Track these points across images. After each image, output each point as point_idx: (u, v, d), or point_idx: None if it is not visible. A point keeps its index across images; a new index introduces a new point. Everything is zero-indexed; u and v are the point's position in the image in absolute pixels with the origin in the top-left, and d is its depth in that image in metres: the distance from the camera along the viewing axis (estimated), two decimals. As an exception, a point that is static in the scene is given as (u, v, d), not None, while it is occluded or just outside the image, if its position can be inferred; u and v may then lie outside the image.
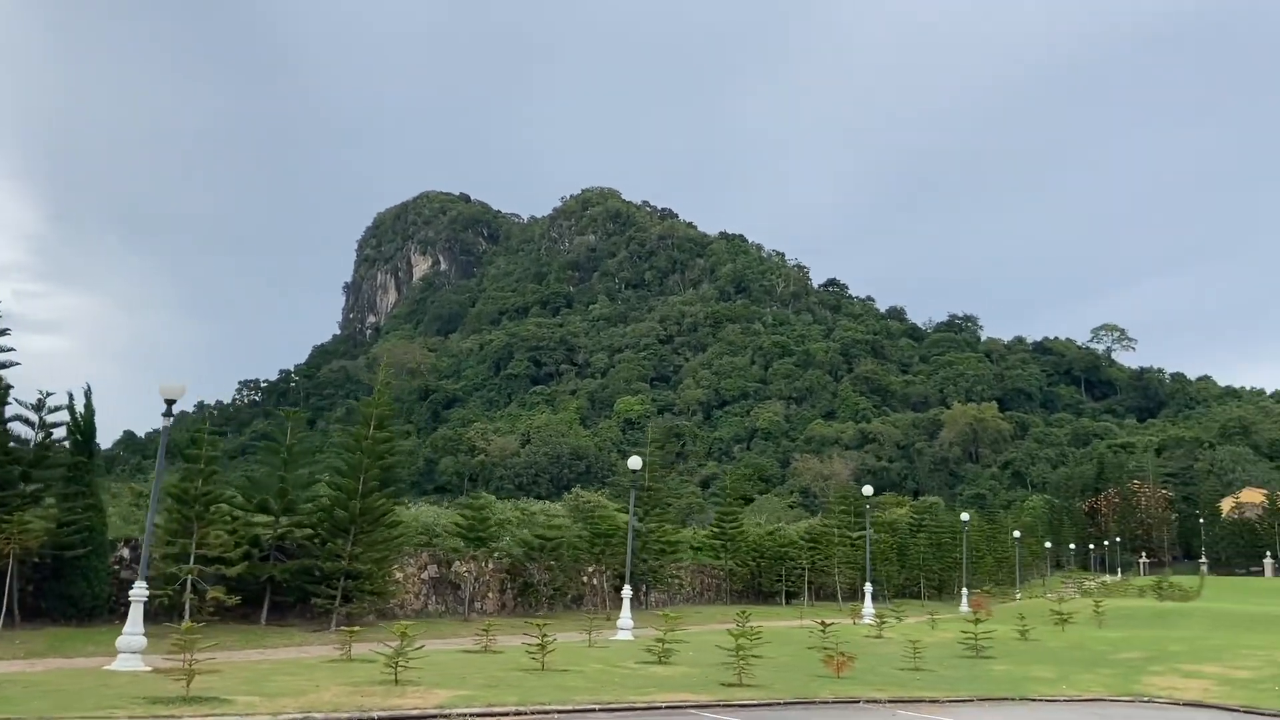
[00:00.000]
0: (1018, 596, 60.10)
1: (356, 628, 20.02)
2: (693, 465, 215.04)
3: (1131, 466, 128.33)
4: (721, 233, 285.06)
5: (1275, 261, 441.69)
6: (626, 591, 29.68)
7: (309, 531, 30.03)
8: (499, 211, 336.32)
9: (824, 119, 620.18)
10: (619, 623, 29.14)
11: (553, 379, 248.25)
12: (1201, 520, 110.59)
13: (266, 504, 29.73)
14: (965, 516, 58.11)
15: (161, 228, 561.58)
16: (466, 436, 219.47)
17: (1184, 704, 21.96)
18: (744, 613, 33.76)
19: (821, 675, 22.37)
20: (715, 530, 51.94)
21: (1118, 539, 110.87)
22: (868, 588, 38.90)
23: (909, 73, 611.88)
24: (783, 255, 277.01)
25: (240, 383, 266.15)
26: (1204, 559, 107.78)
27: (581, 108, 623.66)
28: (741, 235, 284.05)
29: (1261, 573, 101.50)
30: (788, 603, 52.56)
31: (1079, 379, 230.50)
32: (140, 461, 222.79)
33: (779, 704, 18.40)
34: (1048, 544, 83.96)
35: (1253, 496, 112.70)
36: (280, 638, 28.64)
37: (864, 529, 64.99)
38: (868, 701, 19.47)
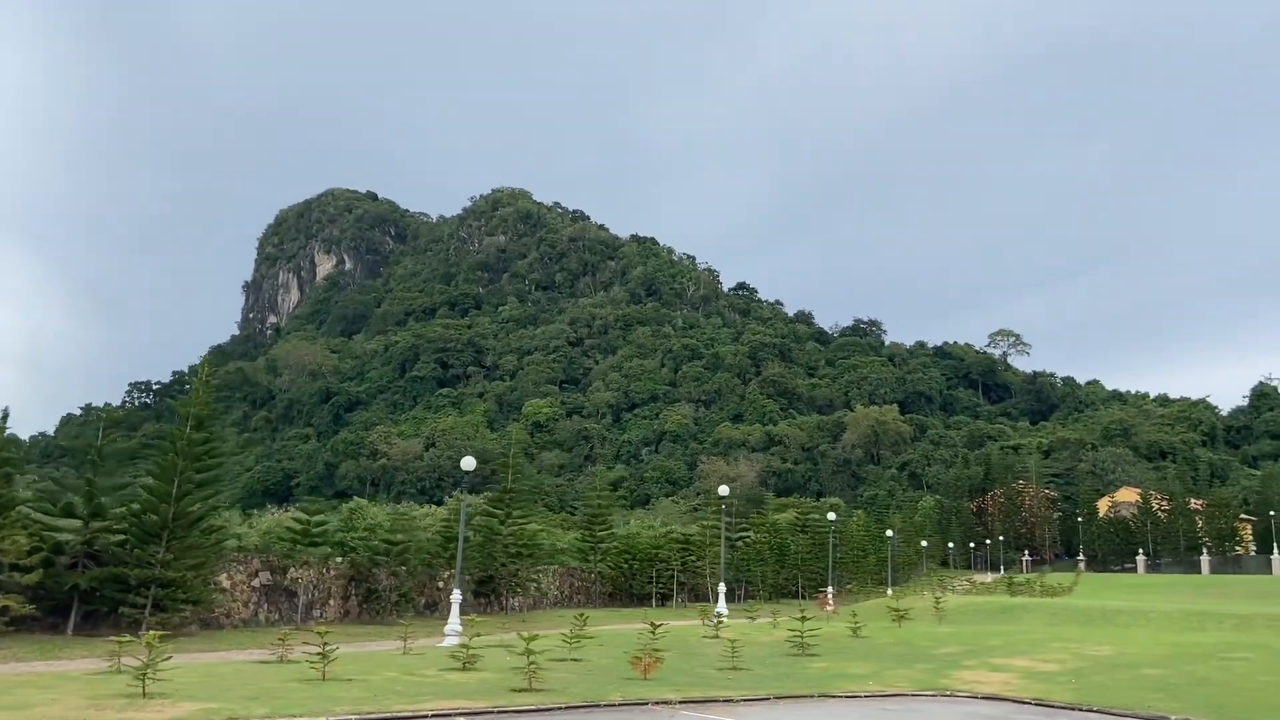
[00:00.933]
0: (889, 593, 61.21)
1: (127, 637, 18.86)
2: (601, 468, 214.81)
3: (1019, 468, 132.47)
4: (633, 235, 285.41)
5: (1162, 270, 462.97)
6: (455, 596, 28.88)
7: (122, 537, 28.48)
8: (406, 210, 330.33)
9: (737, 127, 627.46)
10: (446, 628, 28.35)
11: (460, 381, 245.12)
12: (1080, 519, 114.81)
13: (72, 508, 28.09)
14: (832, 515, 58.89)
15: (53, 225, 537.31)
16: (368, 440, 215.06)
17: (982, 697, 22.27)
18: (581, 615, 33.43)
19: (629, 677, 22.02)
20: (584, 533, 51.46)
21: (1001, 538, 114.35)
22: (721, 588, 38.88)
23: (821, 85, 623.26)
24: (694, 259, 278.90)
25: (131, 384, 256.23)
26: (1081, 556, 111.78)
27: (494, 107, 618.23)
28: (653, 238, 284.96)
29: (1134, 569, 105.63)
30: (662, 604, 52.41)
31: (977, 383, 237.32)
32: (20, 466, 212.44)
33: (559, 709, 17.93)
34: (923, 543, 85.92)
35: (1128, 496, 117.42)
36: (84, 649, 27.05)
37: (743, 530, 65.54)
38: (657, 703, 19.14)
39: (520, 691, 19.08)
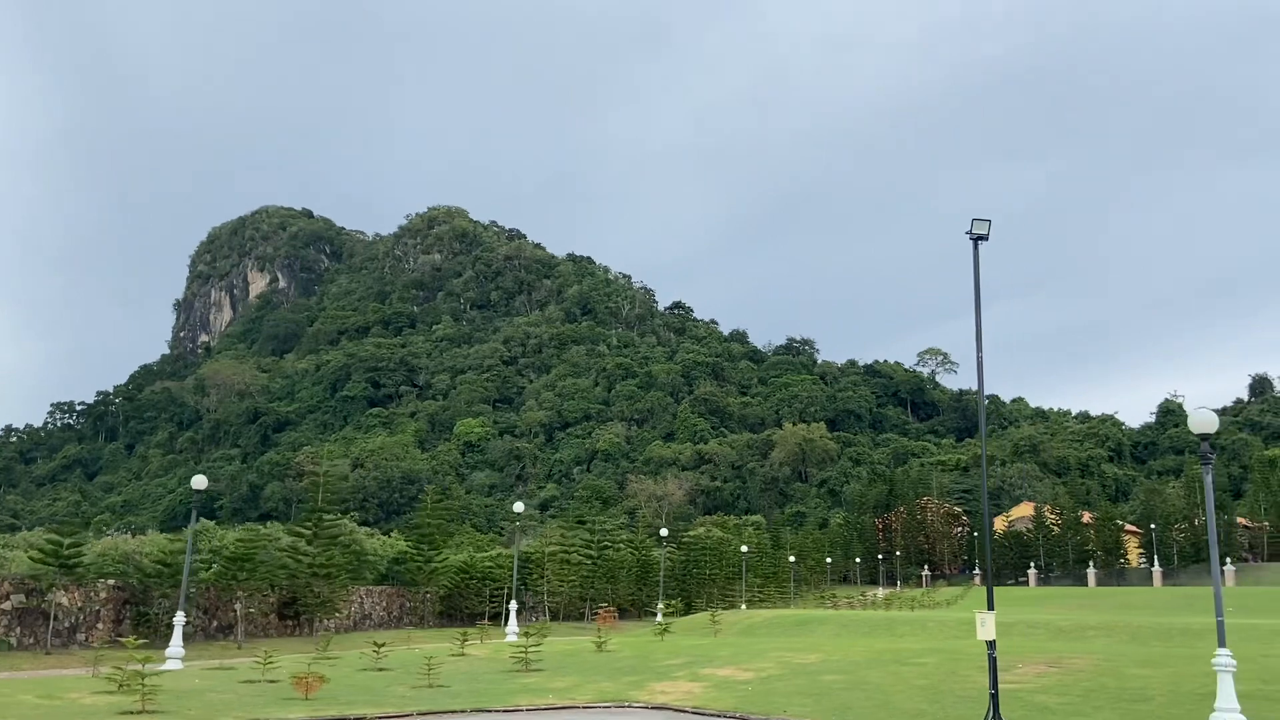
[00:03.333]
0: (742, 606, 61.44)
1: None
2: (532, 488, 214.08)
3: (921, 485, 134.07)
4: (569, 254, 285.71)
5: (1094, 291, 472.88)
6: (178, 619, 28.41)
7: None
8: (342, 228, 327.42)
9: (679, 151, 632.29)
10: (168, 651, 27.87)
11: (392, 401, 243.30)
12: (975, 534, 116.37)
13: None
14: (664, 531, 58.94)
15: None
16: (295, 460, 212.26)
17: (652, 707, 22.37)
18: (326, 636, 33.01)
19: (289, 698, 21.80)
20: (412, 554, 50.97)
21: (897, 553, 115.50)
22: (512, 606, 38.66)
23: (762, 108, 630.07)
24: (629, 278, 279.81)
25: (53, 405, 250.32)
26: (977, 570, 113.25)
27: (431, 126, 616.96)
28: (589, 257, 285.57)
29: (1027, 582, 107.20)
30: (494, 622, 52.13)
31: (906, 400, 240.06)
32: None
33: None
34: (791, 558, 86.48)
35: (1027, 511, 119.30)
36: None
37: (606, 546, 65.42)
38: (269, 722, 18.95)
39: (128, 714, 18.78)
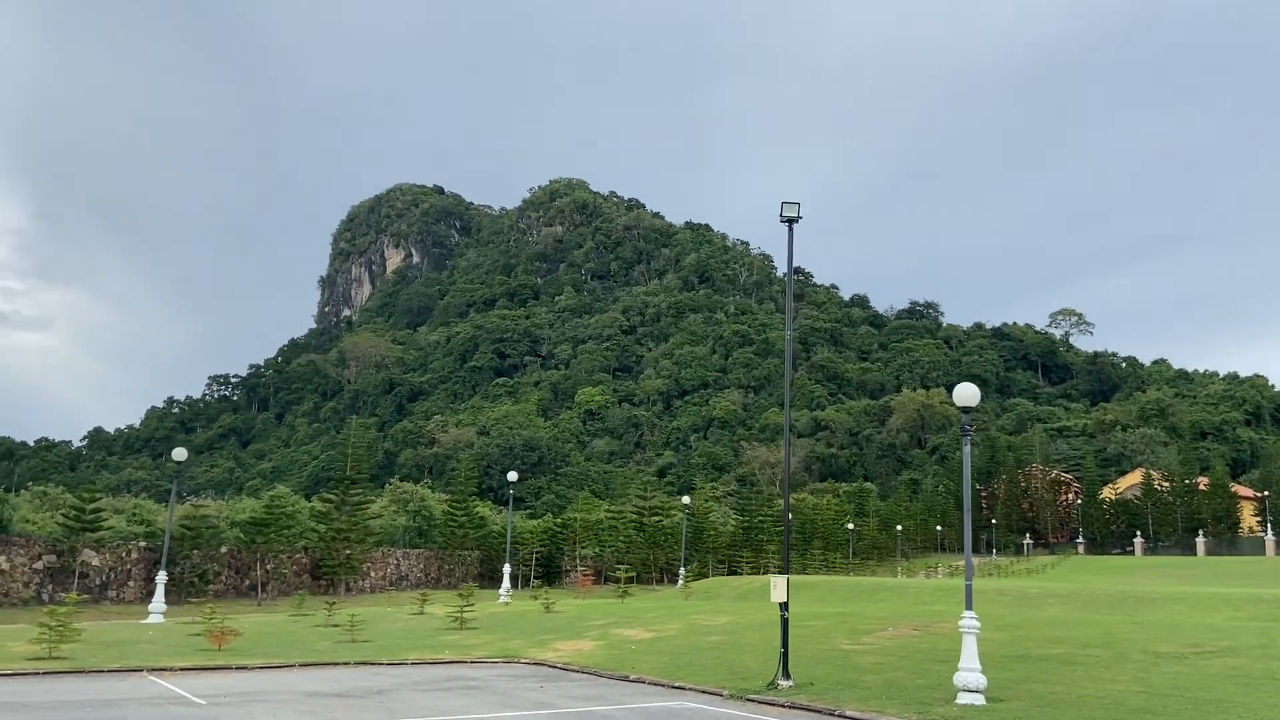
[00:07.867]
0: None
1: None
2: (650, 455, 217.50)
3: (1036, 450, 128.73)
4: (687, 222, 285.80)
5: (1255, 247, 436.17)
6: (160, 577, 31.43)
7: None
8: (471, 203, 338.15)
9: (803, 110, 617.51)
10: (150, 607, 30.90)
11: (517, 370, 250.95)
12: (1080, 502, 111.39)
13: None
14: (686, 499, 59.37)
15: (143, 224, 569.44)
16: (426, 429, 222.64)
17: (532, 664, 23.77)
18: (299, 598, 35.44)
19: (203, 649, 24.19)
20: (449, 518, 53.74)
21: (994, 521, 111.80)
22: (506, 569, 40.46)
23: (892, 65, 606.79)
24: (747, 244, 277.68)
25: (210, 378, 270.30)
26: (1081, 539, 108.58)
27: (557, 99, 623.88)
28: (707, 225, 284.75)
29: (1133, 552, 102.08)
30: (524, 586, 54.49)
31: (1036, 364, 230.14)
32: (104, 458, 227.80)
33: (36, 674, 20.22)
34: (899, 528, 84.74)
35: (1136, 478, 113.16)
36: None
37: (656, 515, 66.65)
38: (151, 670, 21.25)
39: (37, 659, 21.47)
